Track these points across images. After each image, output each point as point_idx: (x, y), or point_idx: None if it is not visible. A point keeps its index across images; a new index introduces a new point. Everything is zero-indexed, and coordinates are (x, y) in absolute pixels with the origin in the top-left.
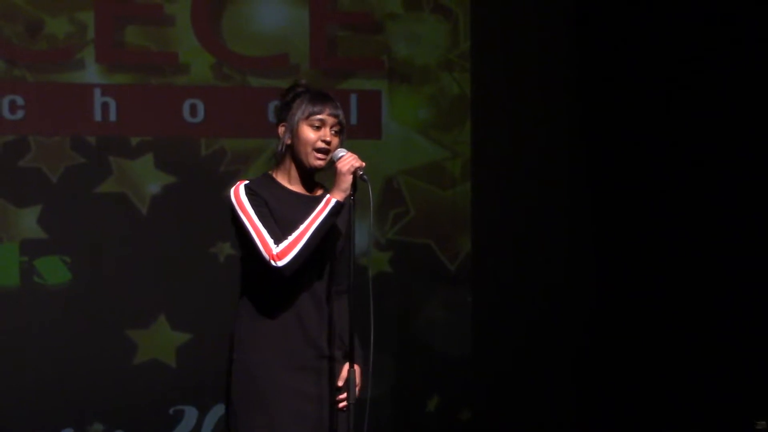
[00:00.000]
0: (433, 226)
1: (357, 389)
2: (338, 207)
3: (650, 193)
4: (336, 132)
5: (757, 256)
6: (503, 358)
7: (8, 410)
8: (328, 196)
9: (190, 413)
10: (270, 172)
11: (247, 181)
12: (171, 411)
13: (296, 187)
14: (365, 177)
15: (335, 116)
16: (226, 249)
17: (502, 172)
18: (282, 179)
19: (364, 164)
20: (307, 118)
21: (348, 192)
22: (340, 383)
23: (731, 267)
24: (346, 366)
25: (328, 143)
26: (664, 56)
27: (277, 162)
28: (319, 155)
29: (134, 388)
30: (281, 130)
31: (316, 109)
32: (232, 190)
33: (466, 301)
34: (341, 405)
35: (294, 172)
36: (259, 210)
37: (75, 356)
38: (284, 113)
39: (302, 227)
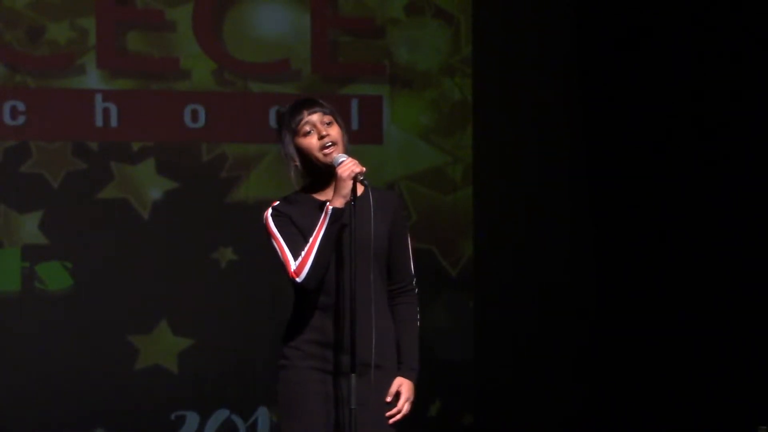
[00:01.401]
0: (435, 231)
1: (406, 403)
2: (338, 214)
3: (651, 197)
4: (328, 123)
5: (760, 258)
6: (505, 362)
7: (10, 415)
8: (327, 204)
9: (192, 418)
10: (303, 186)
11: (277, 202)
12: (172, 416)
13: (325, 196)
14: (366, 182)
15: (316, 112)
16: (228, 254)
17: (504, 176)
18: (311, 191)
19: (364, 169)
20: (295, 131)
21: (348, 197)
22: (389, 399)
23: (734, 268)
24: (398, 380)
25: (325, 136)
26: (665, 61)
27: (305, 180)
28: (327, 150)
29: (136, 393)
30: (286, 159)
31: (297, 119)
32: (264, 214)
33: (468, 306)
34: (391, 421)
35: (320, 183)
36: (283, 229)
37: (76, 361)
38: (282, 145)
39: (310, 241)
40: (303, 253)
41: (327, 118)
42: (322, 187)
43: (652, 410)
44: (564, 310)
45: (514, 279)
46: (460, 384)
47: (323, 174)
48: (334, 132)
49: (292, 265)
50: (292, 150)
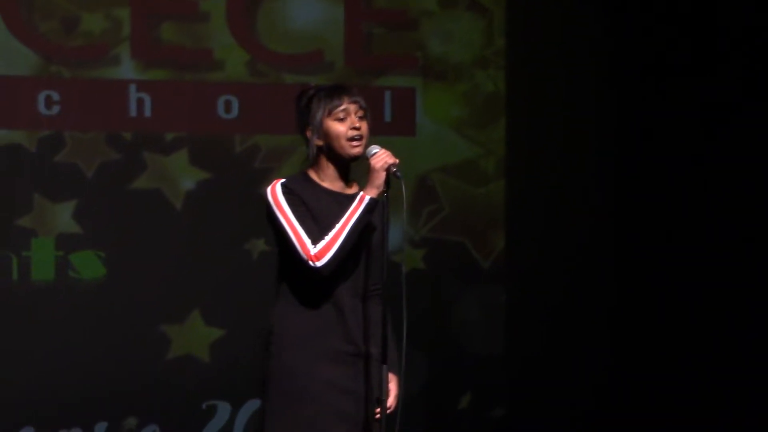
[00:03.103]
0: (467, 223)
1: (393, 397)
2: (372, 204)
3: (681, 192)
4: (361, 117)
5: None
6: (536, 355)
7: (43, 404)
8: (362, 193)
9: (223, 408)
10: (306, 171)
11: (283, 180)
12: (204, 406)
13: (331, 185)
14: (399, 174)
15: (355, 102)
16: (260, 245)
17: (536, 169)
18: (317, 178)
19: (398, 161)
20: (330, 113)
21: (381, 189)
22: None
23: (761, 266)
24: (391, 375)
25: (358, 128)
26: (701, 54)
27: (312, 163)
28: (354, 143)
29: (168, 382)
30: (308, 134)
31: (335, 102)
32: (269, 188)
33: (500, 299)
34: (380, 415)
35: (330, 171)
36: (297, 209)
37: (109, 351)
38: (305, 118)
39: (338, 226)
40: (327, 238)
41: (361, 112)
42: (328, 176)
43: (682, 404)
44: (595, 304)
45: (546, 272)
46: (491, 377)
47: (335, 163)
48: (365, 127)
49: (311, 248)
50: (323, 128)
